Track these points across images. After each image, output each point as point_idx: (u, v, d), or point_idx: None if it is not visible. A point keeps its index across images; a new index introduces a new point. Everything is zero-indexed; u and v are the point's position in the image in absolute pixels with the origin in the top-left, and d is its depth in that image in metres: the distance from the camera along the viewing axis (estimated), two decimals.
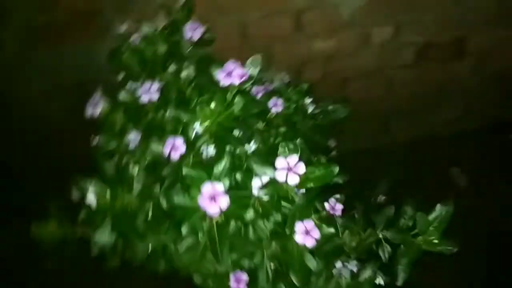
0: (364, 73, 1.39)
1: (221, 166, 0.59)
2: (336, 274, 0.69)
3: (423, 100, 1.50)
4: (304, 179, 0.56)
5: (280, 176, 0.56)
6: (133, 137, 0.72)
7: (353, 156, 1.12)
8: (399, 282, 0.66)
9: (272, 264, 0.67)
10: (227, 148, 0.64)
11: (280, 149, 0.59)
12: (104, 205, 0.63)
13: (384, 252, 0.69)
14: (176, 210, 0.59)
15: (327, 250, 0.68)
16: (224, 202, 0.53)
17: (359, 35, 1.30)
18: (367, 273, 0.66)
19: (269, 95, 0.81)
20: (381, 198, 0.99)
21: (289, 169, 0.56)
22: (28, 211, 0.84)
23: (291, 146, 0.59)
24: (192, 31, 0.81)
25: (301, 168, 0.56)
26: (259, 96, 0.78)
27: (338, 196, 0.68)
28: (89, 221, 0.70)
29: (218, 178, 0.57)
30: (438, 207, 0.65)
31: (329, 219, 0.63)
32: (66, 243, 0.72)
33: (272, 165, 0.62)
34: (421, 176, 1.54)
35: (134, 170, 0.69)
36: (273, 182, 0.58)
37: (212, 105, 0.62)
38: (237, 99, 0.63)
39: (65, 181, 0.70)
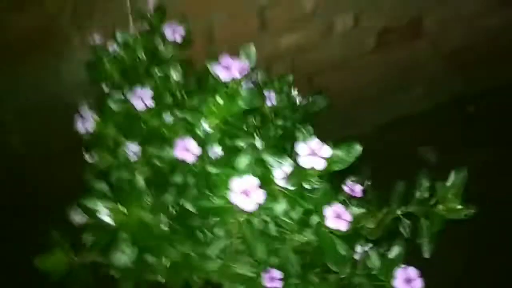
0: (330, 63, 1.41)
1: (243, 161, 0.56)
2: (360, 257, 0.68)
3: (387, 84, 1.54)
4: (330, 162, 0.55)
5: (305, 162, 0.55)
6: (132, 148, 0.68)
7: None
8: (426, 255, 0.66)
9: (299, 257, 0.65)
10: (240, 143, 0.61)
11: (298, 135, 0.58)
12: (121, 222, 0.59)
13: (405, 229, 0.69)
14: (206, 213, 0.56)
15: (348, 234, 0.67)
16: (260, 195, 0.51)
17: (323, 26, 1.31)
18: (394, 252, 0.65)
19: (258, 88, 0.80)
20: (367, 184, 1.00)
21: (313, 153, 0.55)
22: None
23: (308, 129, 0.58)
24: (173, 33, 0.78)
25: (326, 151, 0.55)
26: None
27: (354, 178, 0.68)
28: (99, 244, 0.65)
29: (244, 174, 0.54)
30: (453, 174, 0.65)
31: (354, 201, 0.62)
32: (74, 272, 0.66)
33: (285, 155, 0.60)
34: (394, 159, 1.57)
35: (140, 182, 0.65)
36: (297, 170, 0.56)
37: (219, 101, 0.60)
38: (243, 93, 0.61)
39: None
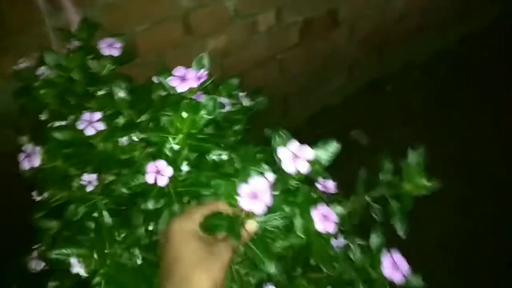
0: (257, 61, 1.40)
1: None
2: (340, 251, 0.68)
3: (312, 75, 1.57)
4: (313, 163, 0.54)
5: (289, 167, 0.53)
6: (87, 178, 0.62)
7: None
8: (402, 234, 0.67)
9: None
10: (213, 156, 0.58)
11: (275, 140, 0.56)
12: (94, 269, 0.53)
13: (377, 214, 0.70)
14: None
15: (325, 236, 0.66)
16: (267, 196, 0.49)
17: (247, 26, 1.30)
18: (374, 240, 0.66)
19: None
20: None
21: (296, 157, 0.53)
22: None
23: (284, 133, 0.56)
24: (109, 47, 0.72)
25: (309, 153, 0.53)
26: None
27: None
28: None
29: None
30: (410, 152, 0.67)
31: (330, 198, 0.61)
32: None
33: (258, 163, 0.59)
34: None
35: (106, 218, 0.59)
36: (281, 176, 0.55)
37: (183, 115, 0.56)
38: (206, 102, 0.58)
39: None
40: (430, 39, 1.91)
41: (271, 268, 0.52)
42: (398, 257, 0.62)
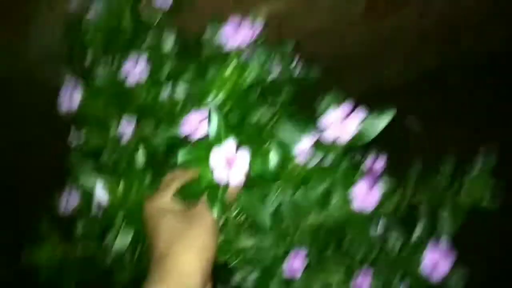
0: (315, 32, 1.34)
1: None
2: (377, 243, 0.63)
3: (372, 53, 1.49)
4: (360, 132, 0.49)
5: (331, 134, 0.48)
6: (126, 126, 0.60)
7: None
8: (448, 232, 0.61)
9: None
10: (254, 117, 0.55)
11: (324, 102, 0.51)
12: (117, 201, 0.51)
13: (422, 216, 0.64)
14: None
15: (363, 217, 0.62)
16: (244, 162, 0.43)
17: None
18: (416, 234, 0.60)
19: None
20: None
21: (340, 123, 0.48)
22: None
23: (334, 95, 0.52)
24: None
25: (356, 120, 0.48)
26: None
27: (372, 153, 0.62)
28: (92, 233, 0.58)
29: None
30: (480, 158, 0.61)
31: (376, 179, 0.57)
32: (65, 266, 0.59)
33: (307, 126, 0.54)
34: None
35: (140, 159, 0.57)
36: (320, 144, 0.50)
37: (229, 72, 0.53)
38: (257, 57, 0.54)
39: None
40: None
41: (265, 217, 0.48)
42: (440, 254, 0.57)
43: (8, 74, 0.99)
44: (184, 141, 0.52)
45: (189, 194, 0.45)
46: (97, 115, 0.61)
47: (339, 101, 0.50)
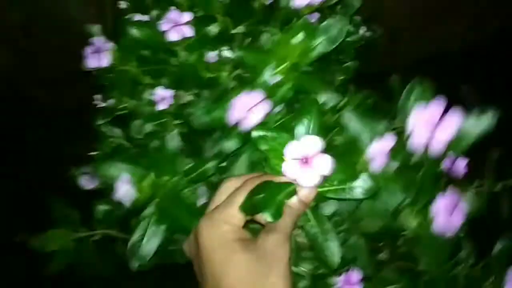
0: None
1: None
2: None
3: (431, 12, 1.34)
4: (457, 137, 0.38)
5: (419, 137, 0.38)
6: (161, 93, 0.51)
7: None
8: None
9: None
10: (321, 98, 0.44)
11: (409, 95, 0.41)
12: (149, 195, 0.43)
13: (504, 210, 0.54)
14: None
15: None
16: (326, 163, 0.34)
17: None
18: (498, 246, 0.51)
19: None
20: None
21: (432, 122, 0.38)
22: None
23: (425, 87, 0.41)
24: None
25: (453, 122, 0.38)
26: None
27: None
28: (113, 217, 0.51)
29: None
30: None
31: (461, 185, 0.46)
32: (82, 251, 0.51)
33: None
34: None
35: (174, 140, 0.48)
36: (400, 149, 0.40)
37: (297, 38, 0.42)
38: (331, 24, 0.43)
39: None
40: None
41: (334, 257, 0.39)
42: None
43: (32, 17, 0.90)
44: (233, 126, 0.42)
45: (259, 206, 0.35)
46: (128, 75, 0.51)
47: (427, 95, 0.39)
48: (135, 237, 0.45)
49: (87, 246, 0.51)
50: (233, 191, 0.37)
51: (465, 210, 0.42)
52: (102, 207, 0.51)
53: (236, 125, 0.41)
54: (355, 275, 0.46)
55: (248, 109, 0.41)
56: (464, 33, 1.46)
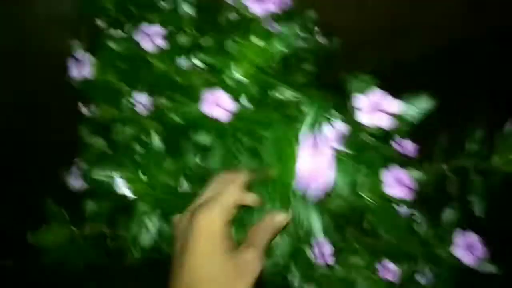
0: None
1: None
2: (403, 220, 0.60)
3: (395, 23, 1.43)
4: (398, 118, 0.45)
5: (365, 119, 0.45)
6: (139, 99, 0.57)
7: None
8: (479, 213, 0.57)
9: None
10: (277, 94, 0.50)
11: (352, 85, 0.47)
12: (143, 193, 0.48)
13: (453, 187, 0.61)
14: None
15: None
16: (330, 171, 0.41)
17: None
18: (447, 215, 0.57)
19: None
20: None
21: (376, 108, 0.45)
22: None
23: (364, 78, 0.47)
24: None
25: (394, 105, 0.45)
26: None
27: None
28: (103, 214, 0.55)
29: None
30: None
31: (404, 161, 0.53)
32: (75, 247, 0.56)
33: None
34: None
35: (156, 141, 0.53)
36: (356, 129, 0.46)
37: (256, 42, 0.48)
38: (283, 30, 0.49)
39: None
40: None
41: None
42: (474, 238, 0.54)
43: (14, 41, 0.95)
44: (206, 118, 0.48)
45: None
46: (109, 85, 0.57)
47: (369, 84, 0.45)
48: (133, 230, 0.50)
49: (80, 241, 0.55)
50: (227, 186, 0.41)
51: (412, 184, 0.49)
52: (91, 205, 0.55)
53: (207, 119, 0.47)
54: (327, 248, 0.52)
55: (217, 104, 0.47)
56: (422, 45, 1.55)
